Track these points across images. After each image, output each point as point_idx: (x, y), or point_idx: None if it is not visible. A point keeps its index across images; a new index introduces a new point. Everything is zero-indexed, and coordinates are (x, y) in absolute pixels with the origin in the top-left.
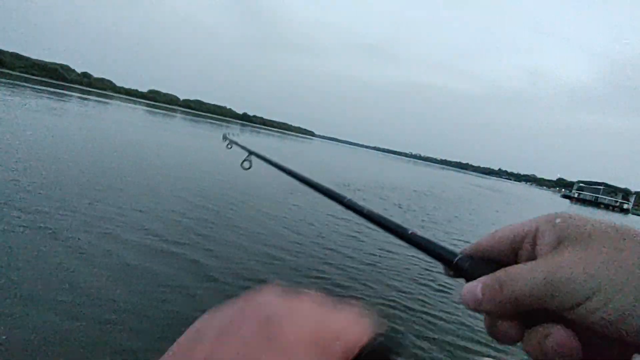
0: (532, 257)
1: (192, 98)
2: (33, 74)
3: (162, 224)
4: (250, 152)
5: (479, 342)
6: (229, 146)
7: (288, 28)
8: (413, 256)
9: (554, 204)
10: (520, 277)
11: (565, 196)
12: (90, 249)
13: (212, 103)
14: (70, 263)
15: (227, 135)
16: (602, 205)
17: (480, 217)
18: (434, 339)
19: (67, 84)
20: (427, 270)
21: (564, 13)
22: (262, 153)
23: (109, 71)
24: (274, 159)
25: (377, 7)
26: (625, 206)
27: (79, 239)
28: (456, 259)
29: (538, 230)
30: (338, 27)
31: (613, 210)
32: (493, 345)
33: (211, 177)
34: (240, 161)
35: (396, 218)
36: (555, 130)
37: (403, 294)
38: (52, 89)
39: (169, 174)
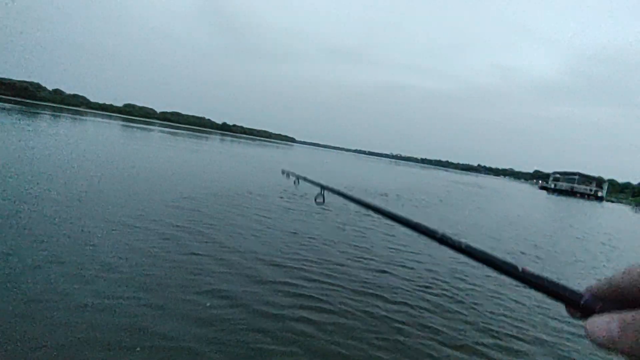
0: None
1: (169, 110)
2: (0, 93)
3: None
4: (323, 187)
5: None
6: (296, 183)
7: (262, 37)
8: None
9: (534, 195)
10: None
11: (542, 187)
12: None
13: (191, 114)
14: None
15: (286, 170)
16: (578, 195)
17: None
18: None
19: (38, 102)
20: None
21: (529, 8)
22: (334, 186)
23: (83, 87)
24: (348, 192)
25: (350, 12)
26: (599, 194)
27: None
28: (583, 300)
29: None
30: (312, 35)
31: (588, 198)
32: None
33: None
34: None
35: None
36: (529, 123)
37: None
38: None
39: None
